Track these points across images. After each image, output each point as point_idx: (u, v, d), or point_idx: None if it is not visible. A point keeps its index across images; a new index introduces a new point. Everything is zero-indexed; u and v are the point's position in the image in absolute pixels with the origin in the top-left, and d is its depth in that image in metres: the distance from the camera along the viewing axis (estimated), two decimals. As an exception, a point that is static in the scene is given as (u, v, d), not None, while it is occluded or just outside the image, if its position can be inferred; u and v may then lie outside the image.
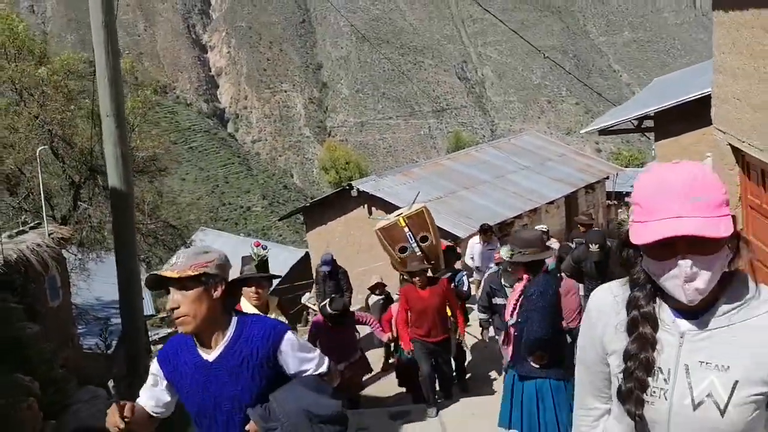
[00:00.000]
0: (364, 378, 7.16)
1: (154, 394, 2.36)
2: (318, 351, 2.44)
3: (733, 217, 1.41)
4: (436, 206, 15.49)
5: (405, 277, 7.30)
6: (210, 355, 2.26)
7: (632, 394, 1.48)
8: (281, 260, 23.07)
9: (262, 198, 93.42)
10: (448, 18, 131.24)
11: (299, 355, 2.33)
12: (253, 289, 4.13)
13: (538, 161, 19.67)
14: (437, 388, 6.34)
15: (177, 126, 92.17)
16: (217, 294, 2.24)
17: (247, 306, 4.08)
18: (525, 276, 4.08)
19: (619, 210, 21.52)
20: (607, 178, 20.02)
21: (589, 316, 1.65)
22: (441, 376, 6.35)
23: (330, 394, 2.31)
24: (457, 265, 8.48)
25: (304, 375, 2.33)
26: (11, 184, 8.74)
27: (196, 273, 2.20)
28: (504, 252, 4.20)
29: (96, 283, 11.28)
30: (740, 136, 5.18)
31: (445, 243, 9.52)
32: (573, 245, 7.69)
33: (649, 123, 12.85)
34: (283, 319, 4.11)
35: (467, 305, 7.77)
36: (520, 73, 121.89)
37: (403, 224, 7.22)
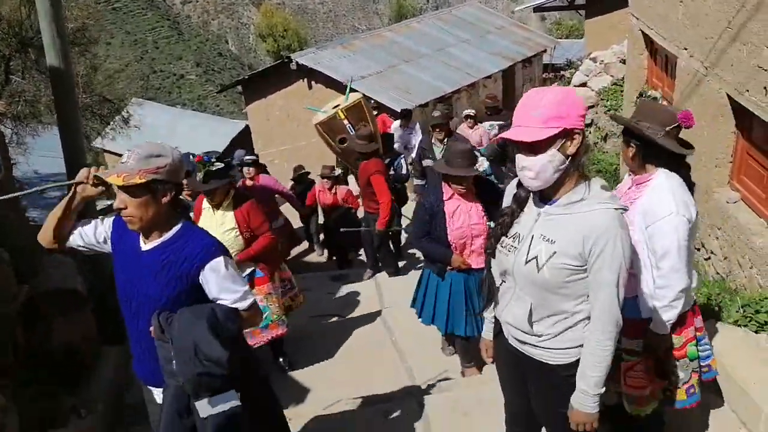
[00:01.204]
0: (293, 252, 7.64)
1: (92, 228, 2.46)
2: (245, 287, 2.40)
3: (573, 133, 1.94)
4: (376, 81, 15.58)
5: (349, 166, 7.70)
6: (145, 246, 2.33)
7: (490, 240, 2.24)
8: (221, 133, 22.92)
9: (196, 65, 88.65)
10: None
11: (222, 284, 2.32)
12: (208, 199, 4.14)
13: (479, 34, 19.68)
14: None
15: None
16: (166, 200, 2.26)
17: (206, 202, 4.18)
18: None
19: (555, 84, 22.09)
20: (545, 51, 20.32)
21: (506, 194, 2.30)
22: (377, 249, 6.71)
23: (229, 335, 2.25)
24: None
25: (220, 303, 2.34)
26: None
27: (144, 180, 2.18)
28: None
29: (33, 157, 11.24)
30: (650, 24, 5.63)
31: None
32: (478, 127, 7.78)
33: (582, 0, 13.10)
34: (230, 216, 4.12)
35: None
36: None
37: (342, 117, 7.36)
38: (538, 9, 16.00)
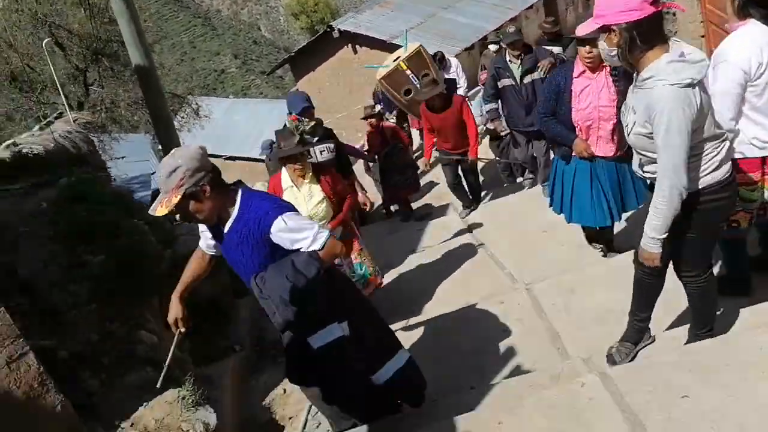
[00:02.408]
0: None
1: (205, 239, 2.81)
2: (314, 230, 2.57)
3: (611, 29, 2.33)
4: (419, 32, 15.70)
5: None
6: (225, 229, 2.60)
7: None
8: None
9: (234, 58, 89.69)
10: None
11: (290, 236, 2.53)
12: (293, 166, 4.07)
13: (512, -34, 19.36)
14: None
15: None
16: (207, 193, 2.46)
17: (287, 180, 4.12)
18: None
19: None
20: (583, -28, 19.79)
21: None
22: (467, 182, 6.72)
23: (312, 277, 2.49)
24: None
25: (297, 253, 2.55)
26: (21, 80, 9.20)
27: (180, 196, 2.39)
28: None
29: (119, 163, 12.08)
30: None
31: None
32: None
33: None
34: (317, 188, 4.10)
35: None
36: None
37: (405, 68, 7.40)
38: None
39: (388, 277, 5.48)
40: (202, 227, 2.76)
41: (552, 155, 6.17)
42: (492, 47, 8.09)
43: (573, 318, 3.80)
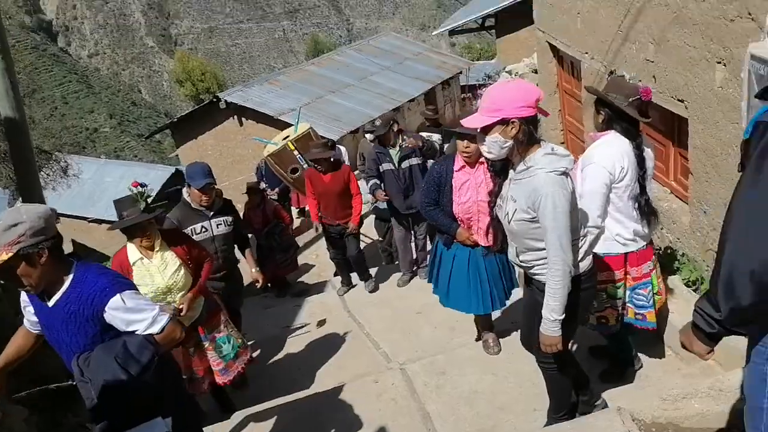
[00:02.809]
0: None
1: (28, 316, 2.59)
2: (154, 311, 2.45)
3: (510, 121, 2.53)
4: (306, 111, 16.09)
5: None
6: (50, 302, 2.41)
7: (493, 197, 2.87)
8: (151, 179, 22.72)
9: (109, 117, 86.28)
10: None
11: (126, 317, 2.38)
12: (140, 239, 3.64)
13: (398, 61, 20.64)
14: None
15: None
16: (43, 259, 2.28)
17: (134, 253, 3.69)
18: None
19: (473, 102, 23.29)
20: (461, 72, 21.49)
21: None
22: (350, 255, 6.50)
23: (144, 364, 2.34)
24: None
25: (132, 335, 2.41)
26: None
27: (11, 254, 2.21)
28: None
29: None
30: (554, 35, 6.45)
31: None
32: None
33: (491, 21, 14.23)
34: (170, 255, 3.73)
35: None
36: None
37: (293, 148, 7.52)
38: (453, 32, 17.11)
39: (263, 354, 5.39)
40: (25, 301, 2.55)
41: (429, 241, 6.49)
42: (368, 136, 8.44)
43: (444, 399, 3.92)
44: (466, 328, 4.74)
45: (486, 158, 2.70)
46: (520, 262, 2.83)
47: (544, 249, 2.65)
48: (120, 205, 3.60)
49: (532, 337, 2.88)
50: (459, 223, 3.82)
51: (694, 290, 4.10)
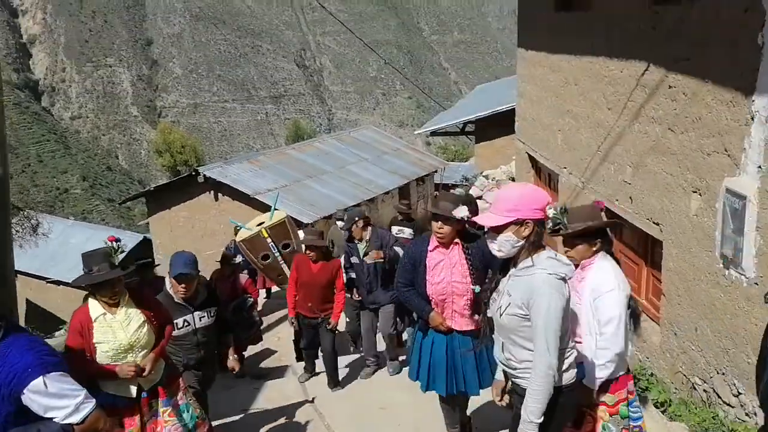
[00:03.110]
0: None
1: None
2: (78, 399, 2.31)
3: (525, 222, 2.61)
4: (282, 193, 16.26)
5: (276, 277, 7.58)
6: None
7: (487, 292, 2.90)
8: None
9: (82, 179, 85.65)
10: (287, 4, 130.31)
11: (47, 403, 2.24)
12: (107, 293, 3.46)
13: (376, 154, 21.20)
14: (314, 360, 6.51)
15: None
16: None
17: (96, 309, 3.52)
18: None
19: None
20: (436, 171, 22.11)
21: None
22: (324, 349, 6.27)
23: None
24: None
25: (48, 422, 2.25)
26: None
27: None
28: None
29: None
30: (534, 147, 6.75)
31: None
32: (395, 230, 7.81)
33: (471, 127, 14.88)
34: (134, 311, 3.59)
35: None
36: (357, 64, 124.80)
37: (266, 235, 7.40)
38: (434, 134, 17.77)
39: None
40: None
41: (399, 329, 6.42)
42: (339, 223, 8.49)
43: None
44: (430, 428, 4.62)
45: (497, 256, 2.75)
46: (506, 359, 2.81)
47: (531, 351, 2.66)
48: (90, 259, 3.42)
49: None
50: (433, 306, 3.75)
51: (663, 412, 4.11)
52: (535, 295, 2.59)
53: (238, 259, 8.10)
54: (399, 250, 6.08)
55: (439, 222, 3.62)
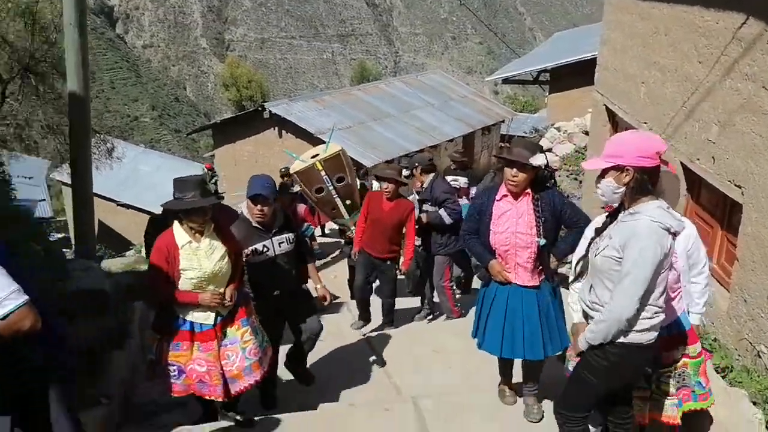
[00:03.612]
0: None
1: None
2: (7, 289, 2.23)
3: (626, 168, 2.59)
4: (345, 134, 16.33)
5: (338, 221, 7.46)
6: None
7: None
8: (181, 174, 23.03)
9: (151, 109, 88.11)
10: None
11: None
12: (197, 221, 3.47)
13: (442, 100, 20.89)
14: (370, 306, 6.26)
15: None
16: None
17: (182, 236, 3.53)
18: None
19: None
20: (503, 121, 21.66)
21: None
22: (379, 294, 6.23)
23: None
24: None
25: None
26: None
27: None
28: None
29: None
30: (613, 100, 6.50)
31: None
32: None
33: (546, 76, 14.39)
34: (217, 242, 3.59)
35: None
36: (428, 5, 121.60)
37: (320, 168, 7.26)
38: (506, 81, 17.29)
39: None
40: None
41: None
42: (404, 172, 8.33)
43: (453, 438, 3.88)
44: (482, 374, 4.67)
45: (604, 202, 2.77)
46: (590, 302, 2.79)
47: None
48: (184, 185, 3.41)
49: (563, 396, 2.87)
50: (497, 257, 3.62)
51: (723, 377, 4.04)
52: (632, 238, 2.55)
53: (296, 188, 8.10)
54: (444, 215, 5.91)
55: (514, 169, 3.45)
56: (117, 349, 4.82)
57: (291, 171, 7.76)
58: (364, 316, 6.20)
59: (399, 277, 6.20)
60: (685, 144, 4.87)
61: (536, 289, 3.63)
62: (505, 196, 3.56)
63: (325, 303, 4.49)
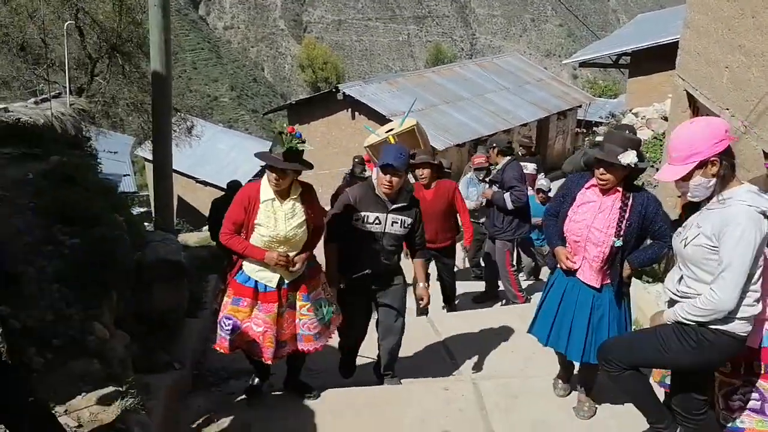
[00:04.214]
0: None
1: None
2: None
3: (710, 161, 2.51)
4: (417, 117, 16.25)
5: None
6: None
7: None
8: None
9: (230, 89, 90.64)
10: None
11: None
12: (274, 175, 3.39)
13: (517, 83, 20.49)
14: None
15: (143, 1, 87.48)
16: None
17: (267, 192, 3.49)
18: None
19: (586, 138, 22.69)
20: (580, 106, 21.03)
21: None
22: (441, 283, 6.15)
23: None
24: None
25: None
26: (29, 52, 9.23)
27: None
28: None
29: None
30: (695, 85, 6.22)
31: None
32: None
33: (626, 59, 13.85)
34: (300, 207, 3.54)
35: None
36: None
37: (393, 142, 6.97)
38: (584, 64, 16.76)
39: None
40: None
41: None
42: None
43: (511, 422, 3.90)
44: (544, 360, 4.65)
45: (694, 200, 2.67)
46: (680, 291, 2.72)
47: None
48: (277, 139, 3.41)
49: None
50: (566, 245, 3.47)
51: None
52: (728, 225, 2.46)
53: (368, 173, 8.24)
54: (508, 200, 5.80)
55: (602, 168, 3.21)
56: (190, 318, 5.11)
57: (364, 145, 7.73)
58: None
59: (462, 257, 6.24)
60: (770, 132, 4.63)
61: (597, 291, 3.44)
62: (594, 186, 3.35)
63: (422, 304, 4.27)
